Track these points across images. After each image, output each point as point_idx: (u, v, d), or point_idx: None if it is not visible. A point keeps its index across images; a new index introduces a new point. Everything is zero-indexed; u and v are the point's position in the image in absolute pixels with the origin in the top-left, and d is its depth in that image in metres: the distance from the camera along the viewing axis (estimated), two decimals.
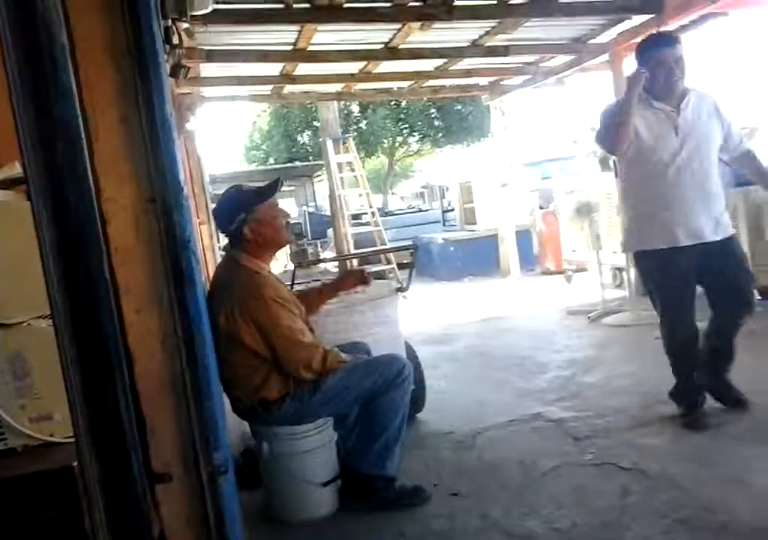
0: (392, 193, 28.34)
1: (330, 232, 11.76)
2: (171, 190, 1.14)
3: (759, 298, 3.48)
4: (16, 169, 1.69)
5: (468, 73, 7.24)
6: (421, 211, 15.91)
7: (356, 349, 2.85)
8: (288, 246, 13.23)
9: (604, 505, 2.37)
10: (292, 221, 9.21)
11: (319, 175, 17.93)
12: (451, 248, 9.78)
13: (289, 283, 3.19)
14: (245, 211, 2.48)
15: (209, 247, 6.45)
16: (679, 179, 2.88)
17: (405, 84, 7.72)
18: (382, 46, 5.82)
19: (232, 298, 2.39)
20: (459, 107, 19.85)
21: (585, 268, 7.30)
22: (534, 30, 5.76)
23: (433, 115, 20.71)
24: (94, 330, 1.03)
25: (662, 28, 4.81)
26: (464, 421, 3.42)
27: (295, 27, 5.05)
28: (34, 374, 1.52)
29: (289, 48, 5.63)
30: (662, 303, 3.03)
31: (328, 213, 11.53)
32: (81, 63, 1.08)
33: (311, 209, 17.45)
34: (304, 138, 22.14)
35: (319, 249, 15.01)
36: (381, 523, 2.45)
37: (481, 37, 5.83)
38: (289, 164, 19.22)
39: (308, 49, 5.63)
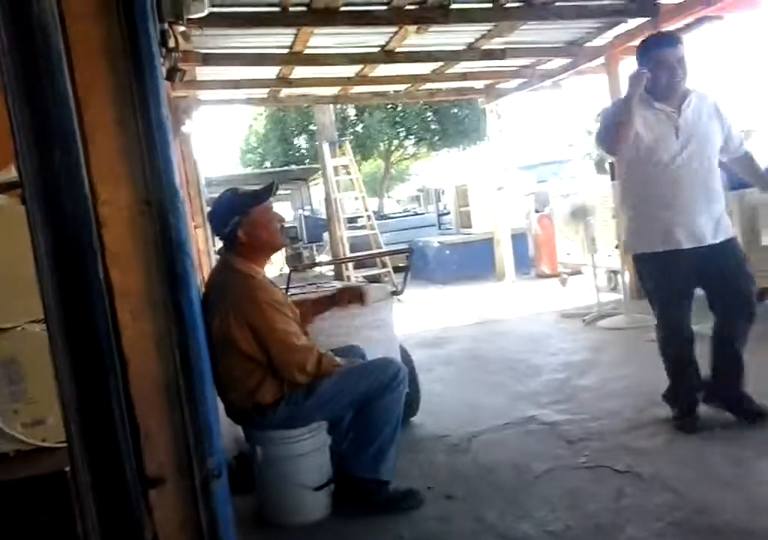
0: (388, 197, 28.35)
1: (326, 235, 11.75)
2: (166, 193, 1.14)
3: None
4: (11, 173, 1.68)
5: (464, 76, 7.27)
6: (416, 214, 15.89)
7: (351, 352, 2.85)
8: (283, 249, 13.24)
9: (598, 508, 2.37)
10: (287, 225, 9.22)
11: (315, 179, 17.92)
12: (447, 251, 9.79)
13: (284, 286, 3.19)
14: (239, 214, 2.48)
15: (205, 250, 6.44)
16: (680, 180, 2.86)
17: (401, 87, 7.74)
18: (379, 49, 5.84)
19: (227, 302, 2.39)
20: (455, 110, 19.89)
21: (580, 271, 7.31)
22: (530, 33, 5.79)
23: (429, 119, 20.75)
24: (88, 334, 1.03)
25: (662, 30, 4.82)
26: (459, 424, 3.42)
27: (292, 30, 5.06)
28: (28, 379, 1.52)
29: (286, 51, 5.64)
30: (660, 305, 3.02)
31: (324, 216, 11.53)
32: (77, 66, 1.08)
33: (307, 213, 17.42)
34: (301, 141, 22.18)
35: (315, 252, 15.00)
36: (375, 527, 2.45)
37: (477, 40, 5.85)
38: (285, 167, 19.20)
39: (305, 52, 5.64)
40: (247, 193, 2.57)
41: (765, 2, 5.22)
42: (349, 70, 6.63)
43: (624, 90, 2.99)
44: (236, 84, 6.60)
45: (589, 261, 5.94)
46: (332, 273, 10.21)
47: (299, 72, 6.45)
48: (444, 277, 9.47)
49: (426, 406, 3.58)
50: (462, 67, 6.94)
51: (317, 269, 11.57)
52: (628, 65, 6.18)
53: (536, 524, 2.31)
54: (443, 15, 4.84)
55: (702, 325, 3.07)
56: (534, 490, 2.59)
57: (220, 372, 2.29)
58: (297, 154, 21.93)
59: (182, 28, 3.68)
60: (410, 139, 22.11)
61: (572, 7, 5.10)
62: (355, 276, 9.03)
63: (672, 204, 2.88)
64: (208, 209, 5.08)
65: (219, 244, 2.67)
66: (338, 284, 3.93)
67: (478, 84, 8.13)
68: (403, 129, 21.31)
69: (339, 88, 7.44)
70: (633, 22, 5.62)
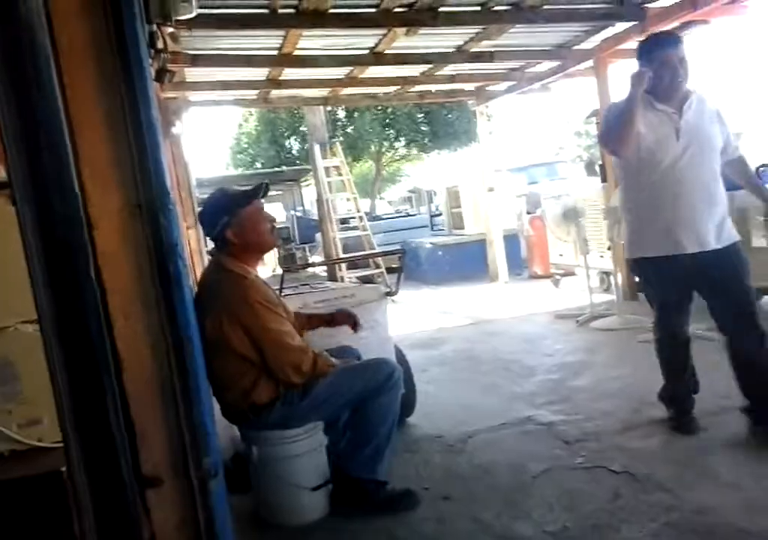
0: (380, 198, 28.38)
1: (318, 236, 11.75)
2: (157, 194, 1.13)
3: None
4: (0, 174, 1.67)
5: (453, 78, 7.28)
6: (408, 215, 15.91)
7: (346, 353, 2.84)
8: (276, 250, 13.19)
9: (594, 509, 2.38)
10: (279, 225, 9.20)
11: (307, 180, 17.93)
12: (439, 253, 9.80)
13: (278, 287, 3.18)
14: (228, 214, 2.46)
15: (197, 251, 6.42)
16: (680, 182, 2.80)
17: (391, 89, 7.75)
18: (368, 51, 5.84)
19: (219, 302, 2.38)
20: (446, 112, 19.93)
21: (573, 272, 7.34)
22: (519, 36, 5.81)
23: (419, 120, 20.78)
24: (81, 334, 1.02)
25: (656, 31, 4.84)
26: (454, 424, 3.42)
27: (281, 32, 5.06)
28: (21, 379, 1.51)
29: (275, 53, 5.63)
30: (658, 307, 3.01)
31: (316, 217, 11.53)
32: (64, 67, 1.07)
33: (299, 213, 17.44)
34: (292, 143, 22.18)
35: (308, 253, 15.02)
36: (371, 527, 2.44)
37: (466, 42, 5.86)
38: (277, 169, 19.21)
39: (294, 54, 5.63)
40: (236, 193, 2.55)
41: (751, 8, 5.26)
42: (339, 72, 6.63)
43: (613, 93, 2.96)
44: (225, 85, 6.59)
45: (582, 262, 5.95)
46: (325, 274, 10.21)
47: (289, 73, 6.44)
48: (437, 278, 9.47)
49: (421, 407, 3.58)
50: (451, 69, 6.96)
51: (310, 270, 11.58)
52: (617, 68, 6.24)
53: (533, 525, 2.32)
54: (432, 17, 4.85)
55: (697, 325, 3.05)
56: (530, 490, 2.59)
57: (215, 372, 2.29)
58: (288, 156, 21.93)
59: (171, 30, 3.69)
60: (401, 140, 22.14)
61: (561, 11, 5.12)
62: (348, 277, 9.02)
63: (673, 206, 2.81)
64: (199, 210, 5.07)
65: (211, 244, 2.66)
66: (332, 285, 3.92)
67: (468, 86, 8.15)
68: (393, 131, 21.33)
69: (329, 89, 7.44)
70: (621, 26, 5.67)
